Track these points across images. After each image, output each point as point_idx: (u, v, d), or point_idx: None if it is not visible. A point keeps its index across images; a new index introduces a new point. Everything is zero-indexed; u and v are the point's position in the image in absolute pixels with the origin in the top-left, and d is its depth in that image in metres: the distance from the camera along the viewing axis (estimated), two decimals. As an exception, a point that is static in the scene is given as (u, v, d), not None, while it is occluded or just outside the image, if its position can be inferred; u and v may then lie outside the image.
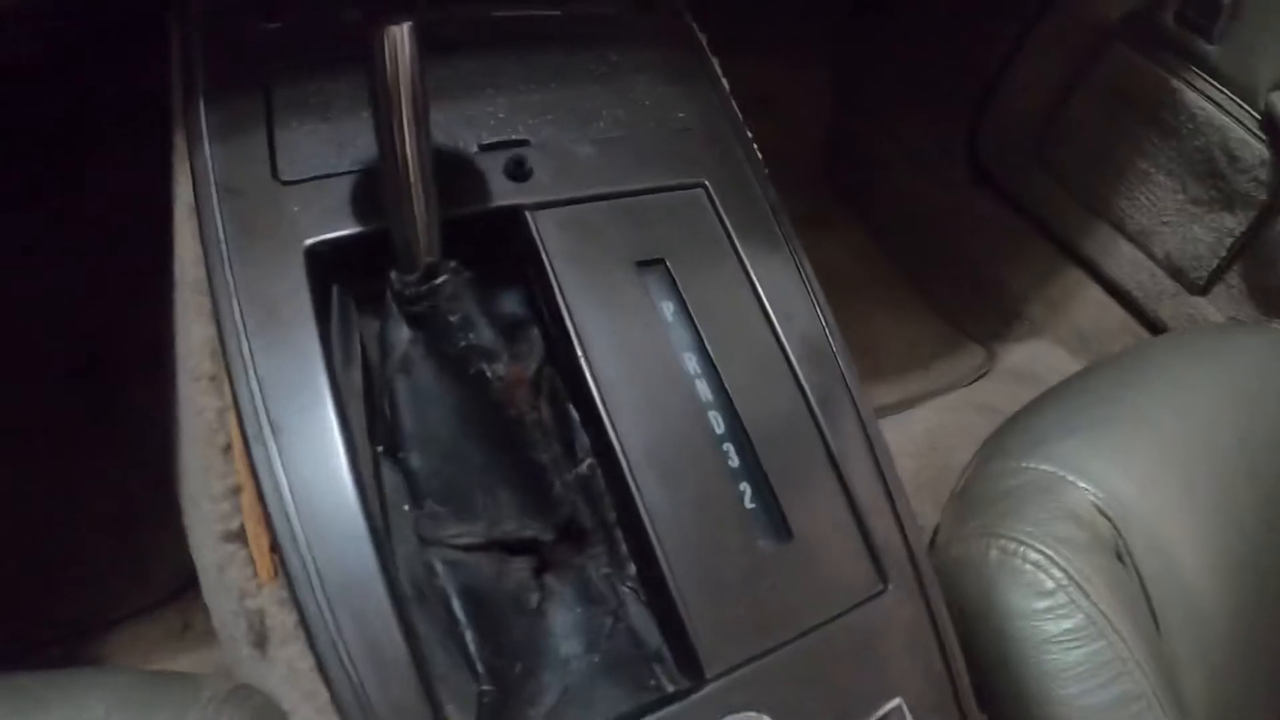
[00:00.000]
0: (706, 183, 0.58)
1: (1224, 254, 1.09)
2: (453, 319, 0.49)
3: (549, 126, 0.57)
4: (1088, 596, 0.58)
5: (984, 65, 1.26)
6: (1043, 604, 0.58)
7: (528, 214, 0.53)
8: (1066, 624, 0.58)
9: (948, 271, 1.38)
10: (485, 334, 0.50)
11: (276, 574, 0.47)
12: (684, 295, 0.54)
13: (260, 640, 0.52)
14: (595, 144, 0.57)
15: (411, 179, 0.46)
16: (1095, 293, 1.22)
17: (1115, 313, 1.21)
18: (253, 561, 0.50)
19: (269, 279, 0.48)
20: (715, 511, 0.49)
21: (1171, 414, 0.72)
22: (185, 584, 0.98)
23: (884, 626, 0.51)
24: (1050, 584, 0.58)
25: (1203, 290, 1.13)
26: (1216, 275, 1.12)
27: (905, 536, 0.53)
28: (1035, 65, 1.22)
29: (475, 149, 0.55)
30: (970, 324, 1.34)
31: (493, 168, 0.54)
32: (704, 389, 0.52)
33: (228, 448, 0.50)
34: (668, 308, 0.54)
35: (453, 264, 0.50)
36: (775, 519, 0.51)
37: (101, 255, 1.05)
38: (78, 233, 1.09)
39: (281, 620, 0.48)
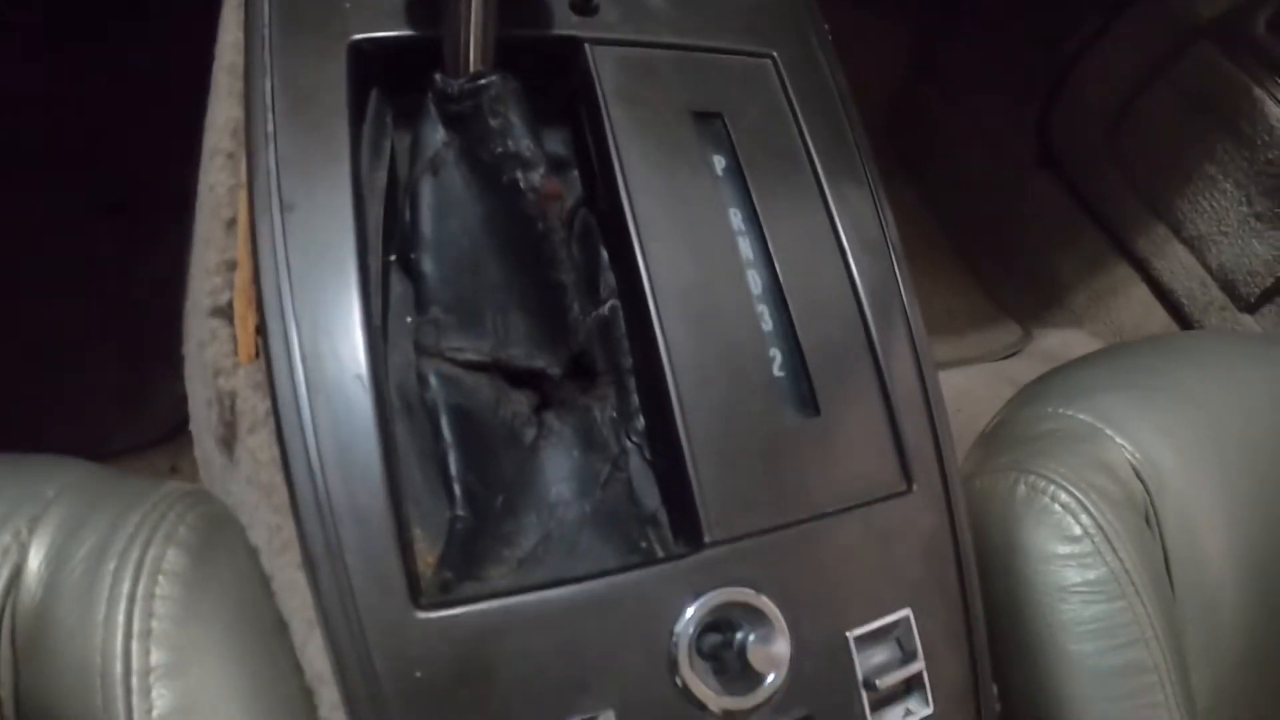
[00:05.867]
0: (776, 55, 0.56)
1: (1280, 273, 1.06)
2: (493, 122, 0.46)
3: None
4: (1115, 551, 0.55)
5: (1063, 48, 1.22)
6: (1066, 549, 0.55)
7: (588, 47, 0.50)
8: (1089, 574, 0.54)
9: (996, 247, 1.35)
10: (525, 142, 0.47)
11: (257, 355, 0.45)
12: (738, 151, 0.51)
13: (229, 434, 0.50)
14: None
15: None
16: (1142, 292, 1.19)
17: (1159, 315, 1.18)
18: (234, 340, 0.48)
19: (308, 67, 0.45)
20: (740, 372, 0.46)
21: (1217, 398, 0.69)
22: (178, 426, 0.96)
23: (902, 530, 0.48)
24: (1077, 529, 0.55)
25: (1251, 307, 1.10)
26: (1269, 294, 1.08)
27: (938, 441, 0.50)
28: (1116, 54, 1.18)
29: None
30: (1010, 301, 1.31)
31: None
32: (745, 246, 0.49)
33: (232, 222, 0.48)
34: (719, 161, 0.51)
35: (500, 72, 0.47)
36: (803, 391, 0.48)
37: (152, 92, 1.04)
38: (132, 68, 1.09)
39: (253, 405, 0.46)
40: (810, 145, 0.53)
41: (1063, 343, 1.20)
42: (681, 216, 0.48)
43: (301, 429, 0.39)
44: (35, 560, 0.44)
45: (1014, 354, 1.19)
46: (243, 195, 0.46)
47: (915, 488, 0.48)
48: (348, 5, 0.47)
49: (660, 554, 0.44)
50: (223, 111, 0.50)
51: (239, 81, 0.47)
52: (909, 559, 0.47)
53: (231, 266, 0.48)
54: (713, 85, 0.53)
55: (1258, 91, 1.04)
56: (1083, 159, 1.23)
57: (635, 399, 0.47)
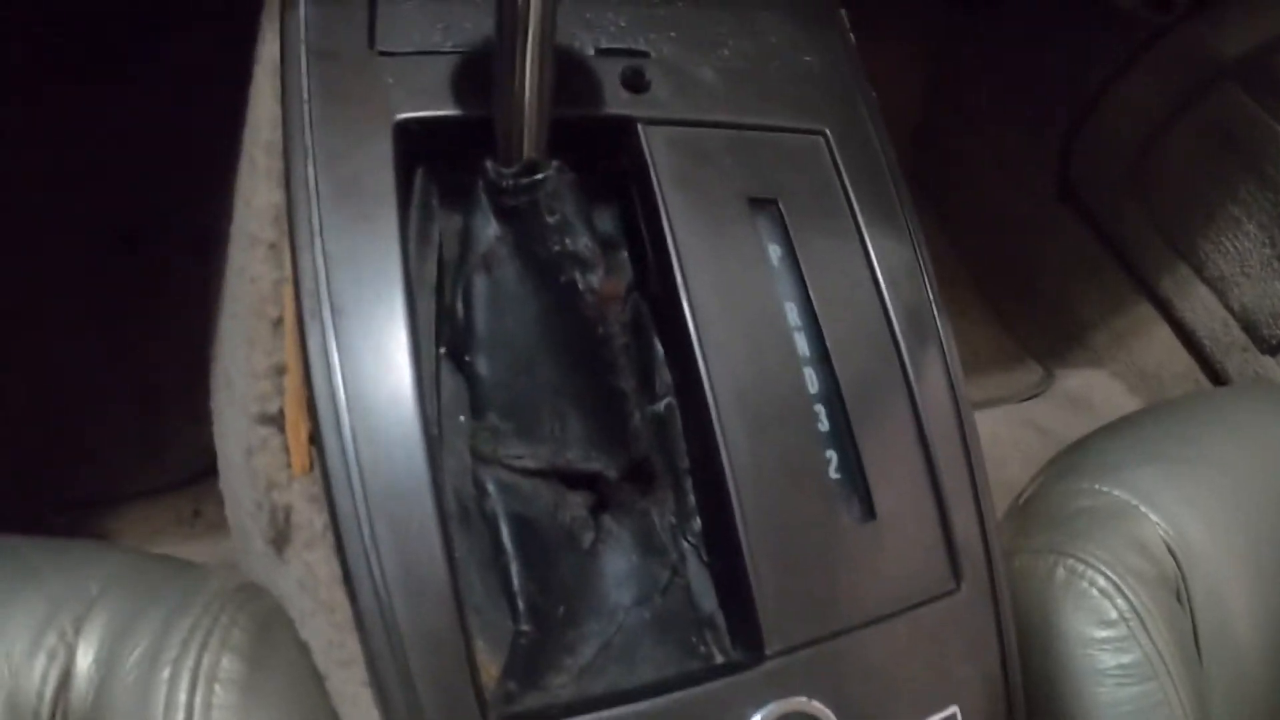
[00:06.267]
0: (828, 131, 0.55)
1: (1304, 317, 1.06)
2: (551, 219, 0.46)
3: (671, 44, 0.53)
4: (1148, 633, 0.56)
5: (1087, 81, 1.22)
6: (1103, 634, 0.56)
7: (641, 127, 0.49)
8: (1125, 659, 0.55)
9: (1017, 283, 1.34)
10: (584, 241, 0.46)
11: (312, 467, 0.44)
12: (794, 241, 0.51)
13: (280, 539, 0.49)
14: (717, 71, 0.54)
15: (530, 59, 0.41)
16: (1164, 332, 1.19)
17: (1181, 357, 1.17)
18: (287, 450, 0.47)
19: (352, 148, 0.44)
20: (799, 475, 0.46)
21: (1246, 464, 0.69)
22: (203, 470, 0.95)
23: (951, 629, 0.48)
24: (1114, 614, 0.56)
25: (1273, 350, 1.10)
26: (1292, 338, 1.08)
27: (986, 538, 0.50)
28: (1140, 90, 1.18)
29: (592, 52, 0.51)
30: (1031, 340, 1.31)
31: (609, 75, 0.50)
32: (803, 343, 0.49)
33: (278, 322, 0.47)
34: (775, 252, 0.51)
35: (556, 163, 0.46)
36: (860, 495, 0.48)
37: (162, 132, 1.03)
38: (142, 108, 1.07)
39: (309, 519, 0.45)
40: (864, 233, 0.53)
41: (1084, 383, 1.21)
42: (739, 310, 0.48)
43: (365, 550, 0.38)
44: (84, 662, 0.43)
45: (1038, 394, 1.19)
46: (288, 290, 0.45)
47: (963, 586, 0.49)
48: (390, 81, 0.46)
49: (719, 658, 0.44)
50: (262, 195, 0.48)
51: (277, 161, 0.46)
52: (957, 657, 0.48)
53: (280, 371, 0.47)
54: (766, 166, 0.52)
55: (1282, 132, 1.04)
56: (1104, 195, 1.23)
57: (692, 500, 0.47)
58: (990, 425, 1.07)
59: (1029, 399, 1.18)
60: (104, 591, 0.45)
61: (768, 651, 0.43)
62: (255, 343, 0.49)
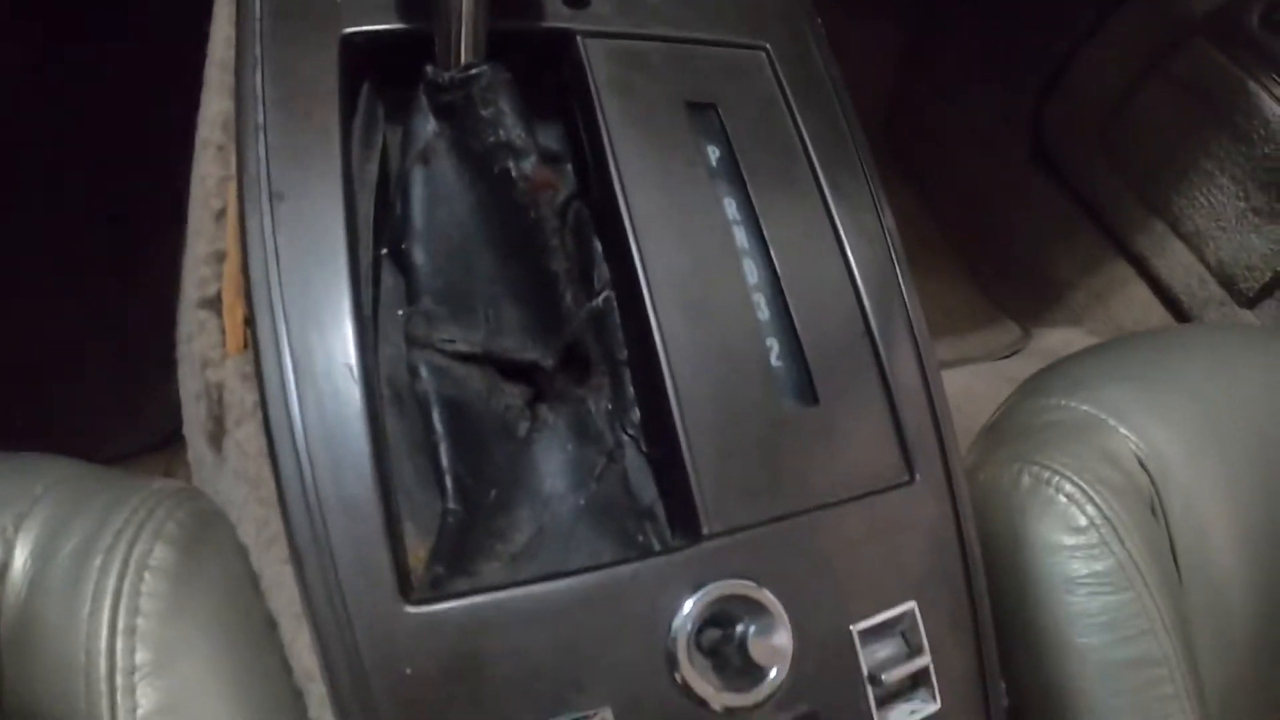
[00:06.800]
0: (769, 46, 0.55)
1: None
2: (485, 112, 0.46)
3: None
4: (1121, 541, 0.54)
5: (1057, 44, 1.22)
6: (1072, 540, 0.54)
7: (580, 39, 0.50)
8: (1096, 565, 0.53)
9: (994, 247, 1.34)
10: (516, 131, 0.46)
11: (246, 346, 0.44)
12: (732, 142, 0.51)
13: (217, 428, 0.49)
14: None
15: None
16: (1141, 289, 1.19)
17: (1158, 313, 1.17)
18: (223, 332, 0.47)
19: (298, 60, 0.44)
20: (737, 361, 0.45)
21: (1216, 389, 0.68)
22: (173, 433, 0.95)
23: (905, 521, 0.47)
24: (1083, 520, 0.54)
25: (1250, 302, 1.09)
26: (1268, 289, 1.08)
27: (939, 430, 0.49)
28: (1110, 50, 1.18)
29: None
30: (1010, 302, 1.31)
31: None
32: (741, 236, 0.49)
33: (221, 213, 0.47)
34: (713, 152, 0.51)
35: (492, 62, 0.46)
36: (801, 380, 0.47)
37: (144, 105, 1.03)
38: (124, 79, 1.08)
39: (241, 397, 0.45)
40: (805, 136, 0.53)
41: (1063, 341, 1.20)
42: (676, 207, 0.47)
43: (290, 420, 0.38)
44: (20, 557, 0.43)
45: (1015, 353, 1.18)
46: (232, 187, 0.46)
47: (918, 478, 0.47)
48: None
49: (657, 547, 0.42)
50: (214, 105, 0.49)
51: (230, 75, 0.46)
52: (913, 551, 0.46)
53: (220, 258, 0.47)
54: (706, 76, 0.52)
55: (1253, 86, 1.04)
56: (1078, 156, 1.23)
57: (630, 391, 0.46)
58: (967, 381, 1.06)
59: (1007, 357, 1.17)
60: (47, 492, 0.45)
61: (705, 532, 0.41)
62: (199, 233, 0.49)
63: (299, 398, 0.38)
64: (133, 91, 1.07)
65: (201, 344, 0.49)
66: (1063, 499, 0.55)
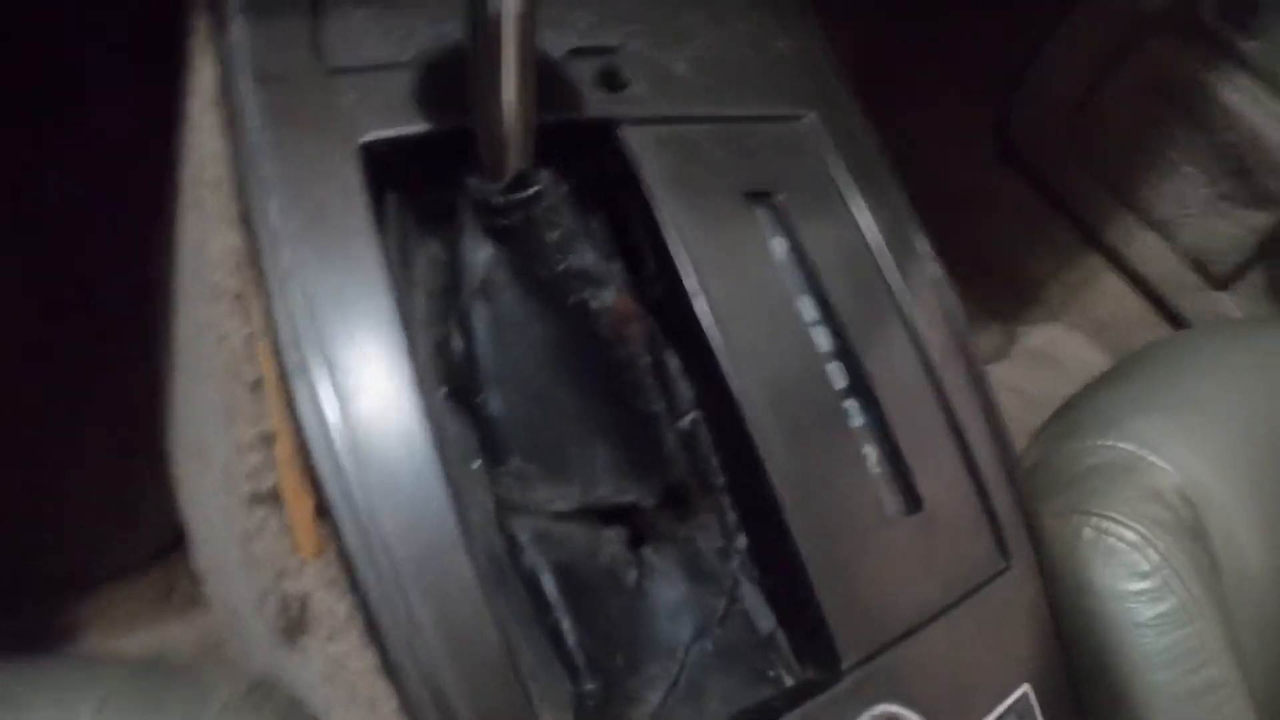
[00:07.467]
0: (814, 116, 0.53)
1: (1249, 250, 1.09)
2: (550, 236, 0.42)
3: (641, 38, 0.50)
4: (1181, 580, 0.56)
5: (1017, 45, 1.23)
6: (1137, 586, 0.56)
7: (624, 128, 0.46)
8: (1161, 607, 0.56)
9: (968, 249, 1.34)
10: (589, 256, 0.42)
11: (324, 548, 0.38)
12: (797, 233, 0.49)
13: (293, 629, 0.43)
14: (691, 63, 0.51)
15: (511, 62, 0.37)
16: (1115, 281, 1.21)
17: (1135, 303, 1.20)
18: (289, 531, 0.41)
19: (314, 178, 0.39)
20: (841, 475, 0.44)
21: (1230, 402, 0.71)
22: (172, 542, 0.87)
23: (1009, 608, 0.48)
24: (1146, 566, 0.56)
25: (1223, 285, 1.13)
26: (1239, 271, 1.11)
27: (1023, 508, 0.50)
28: (1070, 48, 1.20)
29: (563, 52, 0.47)
30: (989, 303, 1.33)
31: (583, 75, 0.47)
32: (821, 338, 0.47)
33: (257, 384, 0.41)
34: (780, 245, 0.49)
35: (548, 173, 0.42)
36: (904, 486, 0.46)
37: (98, 178, 0.96)
38: (72, 154, 1.01)
39: (329, 607, 0.39)
40: (864, 215, 0.51)
41: (1046, 339, 1.22)
42: (753, 312, 0.45)
43: (406, 633, 0.34)
44: None
45: (1001, 358, 1.21)
46: (262, 346, 0.39)
47: (1013, 562, 0.48)
48: (350, 100, 0.41)
49: (788, 680, 0.42)
50: (218, 240, 0.42)
51: (229, 201, 0.41)
52: (1017, 635, 0.48)
53: (269, 441, 0.41)
54: (758, 159, 0.50)
55: (1210, 76, 1.06)
56: (1045, 154, 1.25)
57: (732, 517, 0.45)
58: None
59: (994, 361, 1.19)
60: (100, 711, 0.40)
61: (844, 665, 0.41)
62: (235, 411, 0.42)
63: (408, 606, 0.34)
64: (86, 165, 0.99)
65: (266, 547, 0.43)
66: (1124, 547, 0.56)
